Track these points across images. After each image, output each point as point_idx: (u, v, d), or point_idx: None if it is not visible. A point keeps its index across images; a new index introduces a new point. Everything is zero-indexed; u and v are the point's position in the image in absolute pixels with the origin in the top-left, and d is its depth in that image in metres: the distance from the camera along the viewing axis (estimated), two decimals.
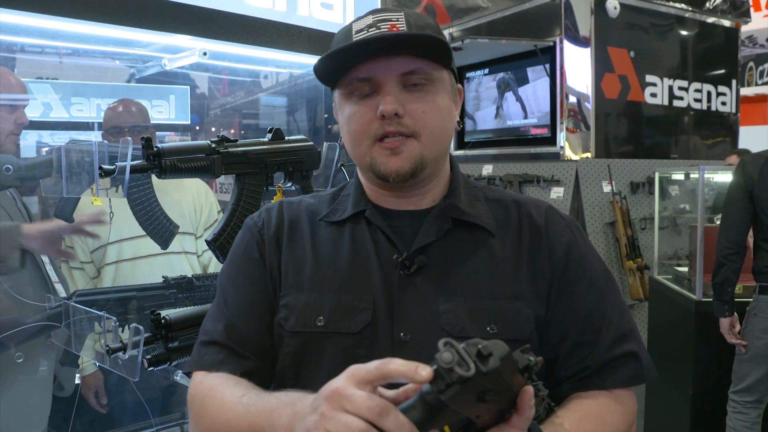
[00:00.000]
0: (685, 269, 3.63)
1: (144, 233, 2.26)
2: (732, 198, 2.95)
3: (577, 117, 4.85)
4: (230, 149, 1.53)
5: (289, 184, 1.68)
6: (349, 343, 0.98)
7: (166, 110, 3.92)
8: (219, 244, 1.53)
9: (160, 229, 1.67)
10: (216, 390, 0.99)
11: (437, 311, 0.98)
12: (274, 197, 1.67)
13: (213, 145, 1.51)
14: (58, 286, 1.95)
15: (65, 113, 3.70)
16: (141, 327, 1.40)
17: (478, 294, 0.99)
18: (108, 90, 3.25)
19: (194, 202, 2.47)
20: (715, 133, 5.67)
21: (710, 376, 3.28)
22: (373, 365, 0.76)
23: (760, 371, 2.87)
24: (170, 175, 1.45)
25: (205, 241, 1.55)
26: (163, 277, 1.80)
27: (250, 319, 1.06)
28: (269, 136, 1.63)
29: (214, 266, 2.47)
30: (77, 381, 2.32)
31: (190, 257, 2.44)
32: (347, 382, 0.76)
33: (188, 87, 3.52)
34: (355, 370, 0.77)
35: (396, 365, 0.74)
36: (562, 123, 4.75)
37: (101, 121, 2.68)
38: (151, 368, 1.46)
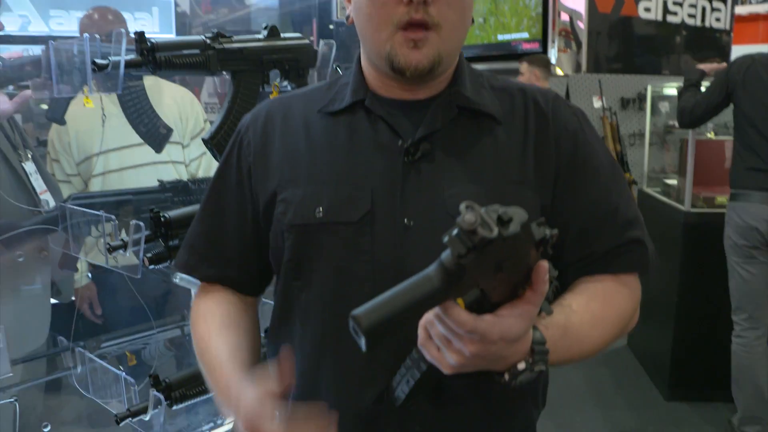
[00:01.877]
0: (674, 182, 3.66)
1: (131, 143, 2.27)
2: (709, 89, 2.97)
3: (569, 36, 4.77)
4: (226, 45, 1.49)
5: (285, 83, 1.64)
6: (349, 233, 0.97)
7: (149, 23, 3.81)
8: (216, 143, 1.52)
9: (154, 132, 1.65)
10: (198, 322, 1.09)
11: (442, 197, 0.97)
12: (270, 96, 1.65)
13: (208, 41, 1.47)
14: (45, 197, 1.93)
15: (44, 27, 3.58)
16: (141, 224, 1.39)
17: (484, 179, 0.99)
18: (87, 1, 3.14)
19: (180, 110, 2.43)
20: (707, 51, 5.61)
21: (696, 287, 3.35)
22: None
23: (739, 282, 2.89)
24: (165, 71, 1.41)
25: (202, 139, 1.53)
26: (158, 180, 1.78)
27: (229, 226, 1.08)
28: (264, 33, 1.58)
29: (203, 174, 2.46)
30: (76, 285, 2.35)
31: (178, 166, 2.43)
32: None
33: None
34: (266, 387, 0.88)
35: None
36: (553, 41, 4.67)
37: None
38: (152, 266, 1.47)
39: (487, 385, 0.86)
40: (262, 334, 1.19)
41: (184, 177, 2.42)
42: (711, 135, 3.67)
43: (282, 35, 1.61)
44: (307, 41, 1.64)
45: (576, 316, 0.92)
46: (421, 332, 0.81)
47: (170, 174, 2.35)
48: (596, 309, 0.96)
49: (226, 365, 0.99)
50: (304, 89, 1.16)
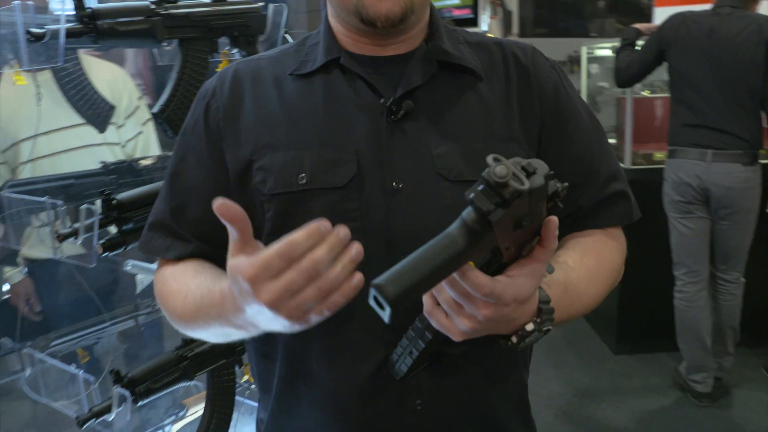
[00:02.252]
0: (612, 141, 3.72)
1: (62, 126, 2.11)
2: (642, 48, 3.02)
3: (498, 3, 4.77)
4: (171, 11, 1.38)
5: (234, 51, 1.55)
6: (336, 198, 0.91)
7: None
8: (167, 116, 1.41)
9: (96, 109, 1.52)
10: (166, 285, 0.98)
11: (430, 156, 0.92)
12: (219, 65, 1.54)
13: (152, 6, 1.35)
14: None
15: None
16: (94, 207, 1.28)
17: (471, 137, 0.94)
18: None
19: (112, 88, 2.25)
20: (629, 14, 5.72)
21: (639, 243, 3.42)
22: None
23: (677, 236, 2.97)
24: (108, 41, 1.29)
25: (152, 113, 1.42)
26: (101, 162, 1.66)
27: (199, 200, 0.99)
28: None
29: (141, 155, 2.32)
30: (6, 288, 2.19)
31: (113, 148, 2.26)
32: (236, 258, 0.74)
33: None
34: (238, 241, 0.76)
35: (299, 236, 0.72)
36: (484, 8, 4.66)
37: None
38: (106, 254, 1.36)
39: (484, 350, 0.83)
40: None
41: (121, 158, 2.27)
42: (646, 93, 3.74)
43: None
44: (256, 5, 1.55)
45: (573, 272, 0.90)
46: (427, 299, 0.77)
47: (106, 157, 2.19)
48: (591, 264, 0.95)
49: (215, 283, 0.85)
50: (270, 52, 1.08)
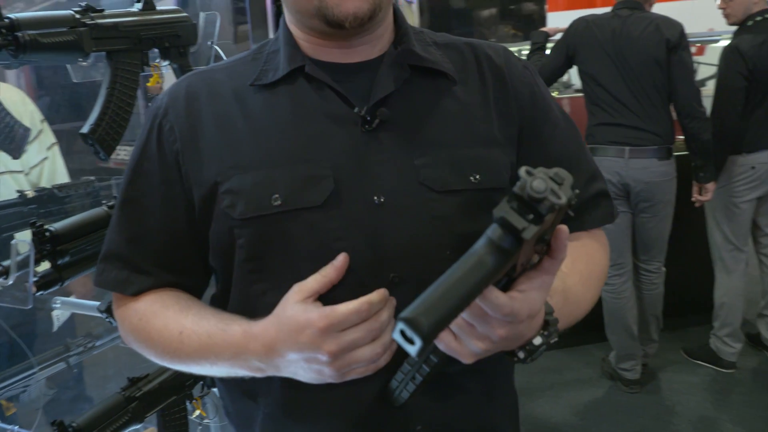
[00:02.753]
0: None
1: None
2: (551, 53, 3.10)
3: None
4: (98, 21, 1.26)
5: (166, 63, 1.44)
6: (316, 218, 0.84)
7: None
8: (98, 137, 1.28)
9: (11, 133, 1.37)
10: (144, 322, 0.91)
11: (413, 167, 0.87)
12: (150, 80, 1.44)
13: (77, 16, 1.23)
14: None
15: None
16: (28, 241, 1.14)
17: (453, 143, 0.89)
18: None
19: (12, 110, 2.07)
20: (522, 21, 5.92)
21: None
22: (316, 275, 0.80)
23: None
24: (30, 55, 1.16)
25: (81, 134, 1.29)
26: (17, 191, 1.50)
27: (158, 229, 0.91)
28: (139, 6, 1.37)
29: (47, 183, 2.12)
30: None
31: (16, 176, 2.07)
32: (307, 305, 0.77)
33: None
34: (299, 287, 0.79)
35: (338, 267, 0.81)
36: None
37: None
38: (41, 292, 1.22)
39: (484, 365, 0.79)
40: None
41: (26, 188, 2.07)
42: (555, 94, 3.87)
43: (158, 8, 1.41)
44: (185, 14, 1.45)
45: (569, 279, 0.88)
46: None
47: (8, 186, 2.00)
48: (583, 269, 0.93)
49: (229, 323, 0.84)
50: (223, 63, 0.99)
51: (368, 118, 0.87)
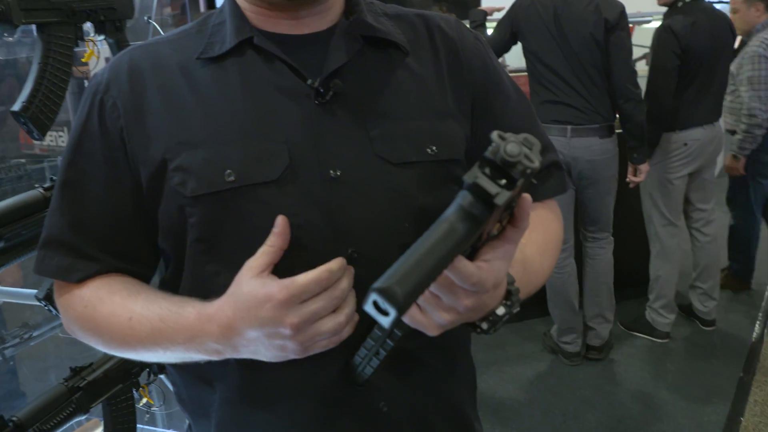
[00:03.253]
0: None
1: None
2: (496, 30, 3.07)
3: None
4: None
5: (101, 38, 1.37)
6: (270, 194, 0.81)
7: None
8: (31, 115, 1.22)
9: None
10: (91, 309, 0.86)
11: (367, 139, 0.85)
12: (85, 55, 1.37)
13: None
14: None
15: None
16: None
17: (408, 115, 0.88)
18: None
19: None
20: (455, 2, 5.92)
21: None
22: (263, 248, 0.76)
23: None
24: None
25: (12, 112, 1.22)
26: None
27: (103, 212, 0.87)
28: None
29: None
30: None
31: None
32: (263, 279, 0.74)
33: None
34: (251, 263, 0.76)
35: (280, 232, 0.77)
36: None
37: None
38: None
39: (444, 338, 0.78)
40: None
41: None
42: None
43: None
44: None
45: (527, 248, 0.88)
46: None
47: None
48: (539, 239, 0.93)
49: (183, 306, 0.80)
50: (166, 36, 0.94)
51: (321, 91, 0.84)
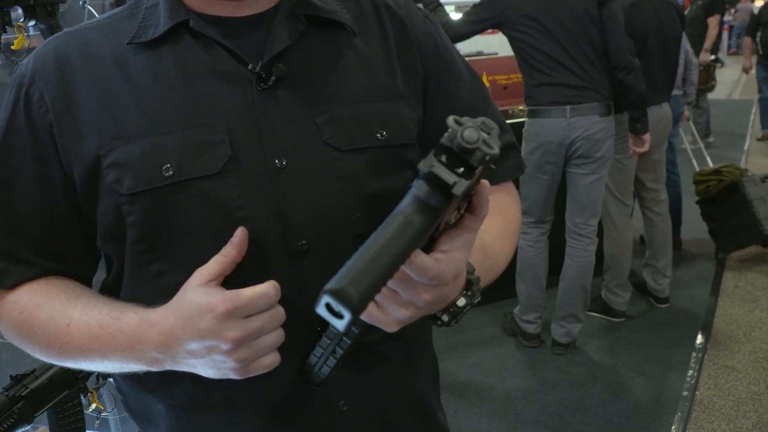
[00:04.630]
0: None
1: None
2: (478, 14, 2.99)
3: None
4: None
5: (32, 23, 1.29)
6: (213, 187, 0.76)
7: None
8: None
9: None
10: (26, 315, 0.81)
11: (314, 125, 0.80)
12: (15, 41, 1.28)
13: None
14: None
15: None
16: None
17: (356, 98, 0.84)
18: None
19: None
20: None
21: None
22: (217, 257, 0.73)
23: (533, 192, 3.03)
24: None
25: None
26: None
27: (35, 212, 0.81)
28: None
29: None
30: None
31: None
32: (209, 288, 0.71)
33: None
34: (202, 270, 0.72)
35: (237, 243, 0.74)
36: None
37: None
38: None
39: (403, 331, 0.75)
40: None
41: None
42: None
43: None
44: None
45: (486, 234, 0.85)
46: None
47: None
48: (498, 223, 0.91)
49: (123, 312, 0.76)
50: (95, 21, 0.88)
51: (264, 75, 0.79)
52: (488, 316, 3.52)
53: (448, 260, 0.66)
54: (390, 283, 0.64)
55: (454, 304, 0.73)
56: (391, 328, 0.70)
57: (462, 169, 0.54)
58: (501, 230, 0.90)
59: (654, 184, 3.41)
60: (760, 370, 2.98)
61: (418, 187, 0.56)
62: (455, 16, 3.06)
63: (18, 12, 1.27)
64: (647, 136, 3.02)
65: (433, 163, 0.54)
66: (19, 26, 1.26)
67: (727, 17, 10.81)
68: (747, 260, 4.13)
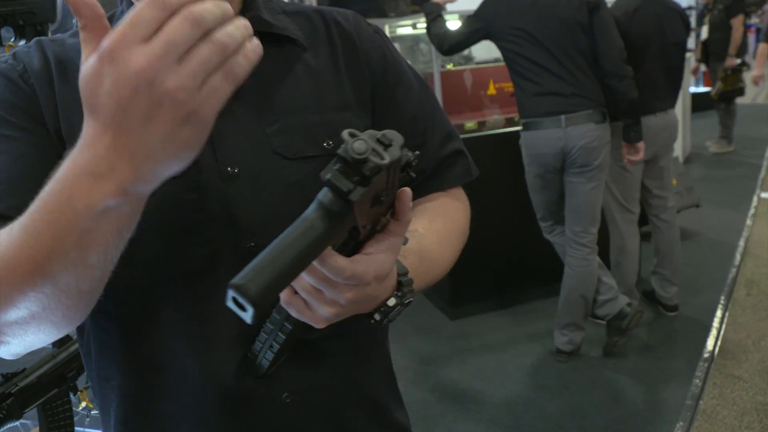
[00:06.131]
0: None
1: None
2: (468, 26, 3.01)
3: None
4: None
5: (22, 42, 1.37)
6: (174, 188, 0.79)
7: None
8: None
9: None
10: None
11: (264, 135, 0.86)
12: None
13: None
14: None
15: None
16: None
17: (303, 110, 0.89)
18: None
19: None
20: None
21: (478, 199, 3.57)
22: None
23: (540, 199, 3.07)
24: None
25: None
26: None
27: (31, 177, 0.82)
28: None
29: None
30: None
31: None
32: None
33: None
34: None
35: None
36: None
37: None
38: None
39: (347, 328, 0.80)
40: None
41: None
42: (450, 66, 3.90)
43: None
44: None
45: (425, 239, 0.90)
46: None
47: None
48: (440, 228, 0.95)
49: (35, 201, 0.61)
50: (74, 33, 0.94)
51: None
52: (492, 324, 3.54)
53: (369, 262, 0.69)
54: (315, 283, 0.69)
55: (384, 303, 0.77)
56: (319, 324, 0.73)
57: (357, 178, 0.59)
58: (442, 234, 0.94)
59: (661, 191, 3.40)
60: (767, 380, 2.95)
61: (323, 194, 0.61)
62: (458, 25, 3.09)
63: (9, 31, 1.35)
64: (641, 145, 3.01)
65: (332, 171, 0.59)
66: (10, 46, 1.34)
67: (754, 20, 10.62)
68: (760, 268, 4.09)
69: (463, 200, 1.04)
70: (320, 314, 0.73)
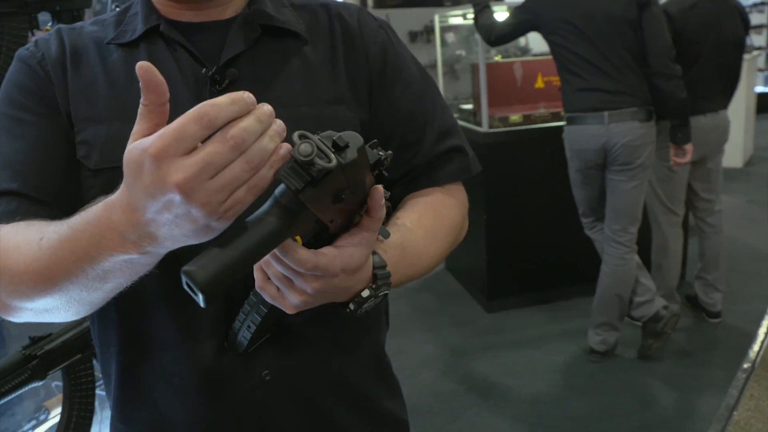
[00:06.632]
0: (469, 106, 3.83)
1: None
2: (515, 18, 3.00)
3: None
4: None
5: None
6: None
7: None
8: None
9: None
10: (5, 240, 0.80)
11: None
12: None
13: None
14: None
15: None
16: None
17: (296, 102, 0.92)
18: None
19: None
20: None
21: (501, 203, 3.57)
22: (139, 112, 0.63)
23: (581, 195, 3.05)
24: None
25: None
26: None
27: (45, 158, 0.90)
28: None
29: None
30: None
31: None
32: (143, 139, 0.60)
33: None
34: (132, 133, 0.62)
35: (146, 85, 0.62)
36: None
37: None
38: None
39: (330, 316, 0.83)
40: None
41: None
42: (498, 58, 3.87)
43: None
44: None
45: (411, 233, 0.91)
46: (257, 274, 0.76)
47: None
48: (429, 223, 0.96)
49: (91, 208, 0.68)
50: (97, 19, 1.01)
51: (217, 78, 0.89)
52: (525, 319, 3.53)
53: (336, 254, 0.72)
54: (284, 272, 0.73)
55: (359, 294, 0.80)
56: (290, 310, 0.77)
57: (308, 178, 0.61)
58: (430, 231, 0.95)
59: (708, 194, 3.31)
60: None
61: (279, 191, 0.64)
62: (505, 16, 3.07)
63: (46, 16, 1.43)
64: (689, 147, 2.93)
65: (285, 171, 0.62)
66: (47, 30, 1.42)
67: None
68: None
69: (459, 196, 1.04)
70: (290, 301, 0.76)
